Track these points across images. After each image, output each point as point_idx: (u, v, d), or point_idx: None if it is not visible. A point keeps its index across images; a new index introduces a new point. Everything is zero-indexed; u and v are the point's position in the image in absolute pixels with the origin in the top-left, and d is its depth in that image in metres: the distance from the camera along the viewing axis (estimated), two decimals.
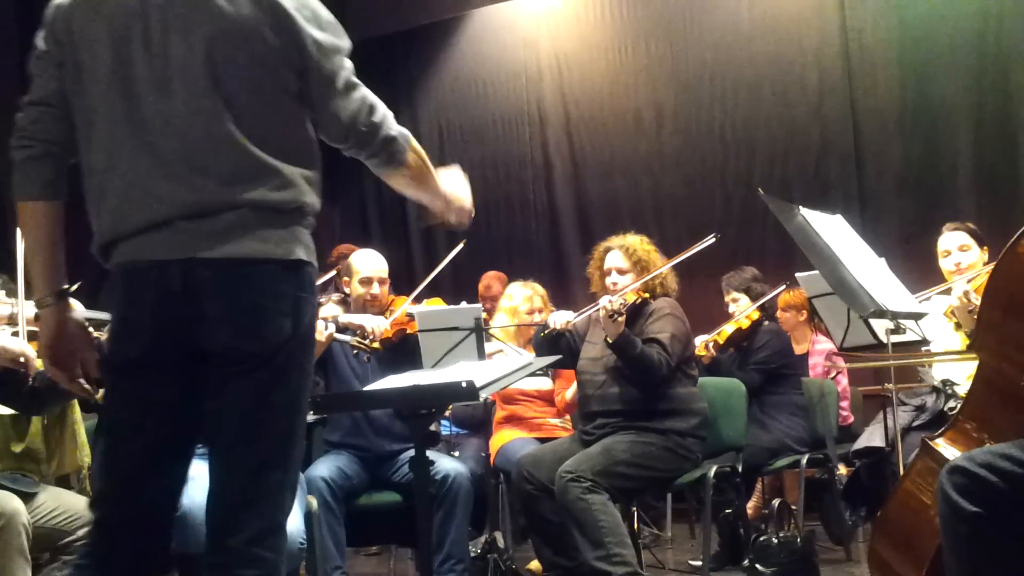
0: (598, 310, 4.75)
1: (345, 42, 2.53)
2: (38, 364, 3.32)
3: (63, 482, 4.01)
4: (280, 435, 2.41)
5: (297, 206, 2.43)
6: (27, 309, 3.51)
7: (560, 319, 4.97)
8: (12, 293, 3.59)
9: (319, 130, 2.53)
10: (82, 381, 2.53)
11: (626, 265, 4.94)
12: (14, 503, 3.23)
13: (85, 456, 4.44)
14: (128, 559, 2.45)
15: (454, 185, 2.80)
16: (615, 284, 4.91)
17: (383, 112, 2.55)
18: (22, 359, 3.30)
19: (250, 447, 2.38)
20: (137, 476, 2.45)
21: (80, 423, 4.53)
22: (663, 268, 4.92)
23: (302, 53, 2.43)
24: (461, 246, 4.97)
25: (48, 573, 3.47)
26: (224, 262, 2.35)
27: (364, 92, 2.53)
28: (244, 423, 2.37)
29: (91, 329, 2.58)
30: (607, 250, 5.04)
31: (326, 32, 2.47)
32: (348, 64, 2.52)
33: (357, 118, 2.50)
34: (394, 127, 2.57)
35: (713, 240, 4.89)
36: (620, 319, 4.60)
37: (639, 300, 4.88)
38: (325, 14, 2.50)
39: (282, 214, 2.40)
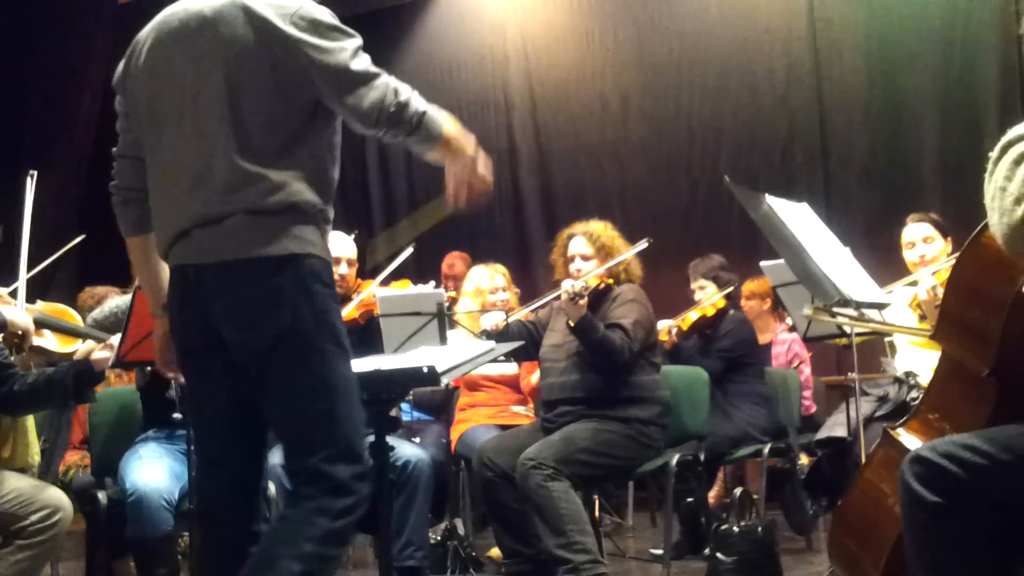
0: (559, 296, 4.72)
1: (350, 40, 2.68)
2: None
3: None
4: (319, 417, 2.63)
5: (289, 205, 2.63)
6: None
7: (490, 320, 4.95)
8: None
9: (350, 125, 2.72)
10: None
11: (590, 251, 4.92)
12: None
13: (35, 454, 4.38)
14: (220, 538, 2.78)
15: (481, 167, 2.87)
16: (579, 271, 4.89)
17: (408, 92, 2.68)
18: (21, 332, 3.43)
19: (295, 433, 2.68)
20: (216, 456, 2.78)
21: (31, 425, 4.48)
22: (627, 255, 4.90)
23: (303, 62, 2.62)
24: (410, 250, 4.94)
25: (2, 557, 3.42)
26: (223, 265, 2.64)
27: (385, 79, 2.67)
28: (283, 412, 2.67)
29: None
30: (570, 236, 5.01)
31: (325, 35, 2.64)
32: (360, 58, 2.66)
33: (383, 104, 2.64)
34: (423, 103, 2.69)
35: (646, 244, 4.88)
36: (582, 302, 4.58)
37: (602, 285, 4.86)
38: (322, 17, 2.66)
39: (273, 215, 2.61)
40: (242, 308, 2.64)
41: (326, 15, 2.68)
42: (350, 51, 2.65)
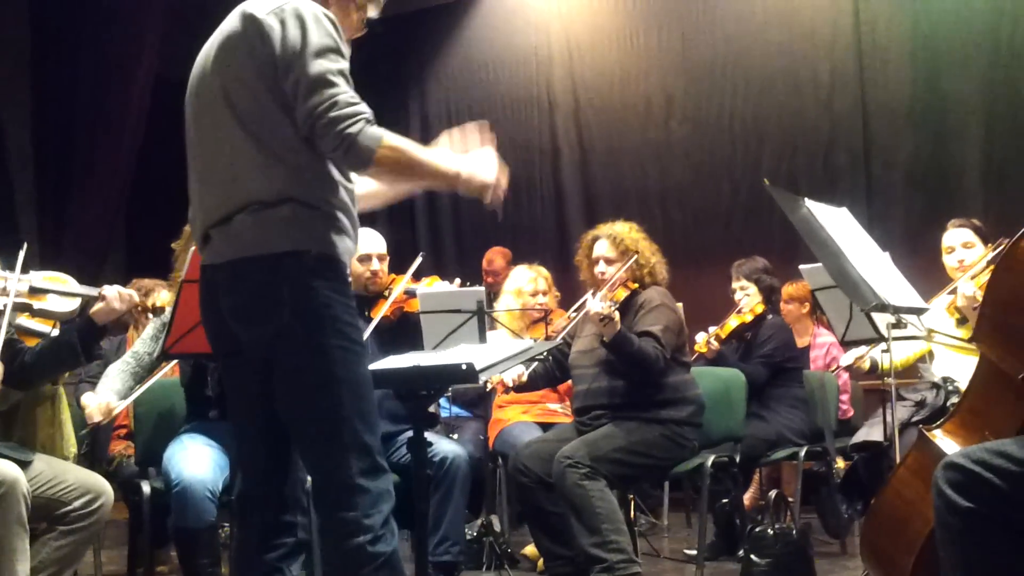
0: (585, 303, 4.73)
1: (324, 41, 2.63)
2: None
3: None
4: (325, 414, 2.67)
5: (287, 197, 2.66)
6: (22, 285, 3.56)
7: (511, 375, 4.96)
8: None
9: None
10: None
11: (613, 254, 4.90)
12: (14, 471, 3.24)
13: (71, 446, 4.46)
14: (256, 530, 2.83)
15: (473, 163, 2.81)
16: (603, 274, 4.88)
17: (349, 111, 2.60)
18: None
19: (301, 428, 2.73)
20: (248, 452, 2.87)
21: (68, 415, 4.56)
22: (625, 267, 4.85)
23: (278, 57, 2.64)
24: (419, 260, 4.93)
25: (45, 542, 3.48)
26: (230, 264, 2.70)
27: (336, 91, 2.60)
28: (290, 409, 2.72)
29: None
30: (595, 239, 5.00)
31: (298, 28, 2.63)
32: (321, 60, 2.61)
33: (314, 111, 2.60)
34: (355, 126, 2.59)
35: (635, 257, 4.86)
36: (613, 322, 4.56)
37: (629, 293, 4.86)
38: (306, 13, 2.65)
39: (273, 208, 2.65)
40: (245, 306, 2.71)
41: (315, 14, 2.66)
42: (314, 49, 2.62)
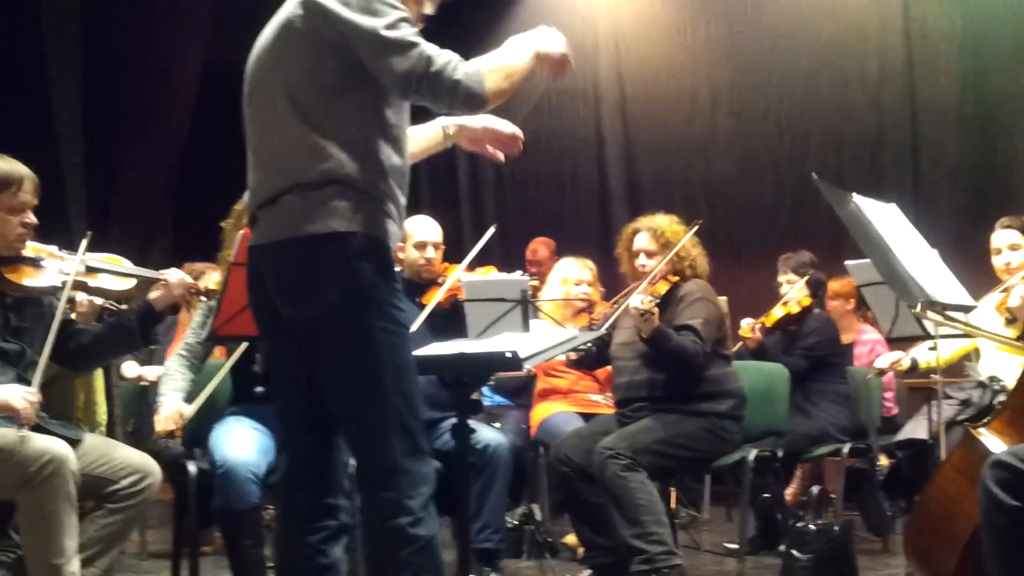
0: (628, 293, 4.72)
1: (391, 11, 2.69)
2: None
3: None
4: (367, 394, 2.69)
5: (334, 178, 2.68)
6: (78, 265, 3.62)
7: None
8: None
9: (391, 93, 2.75)
10: None
11: (654, 247, 4.88)
12: (64, 448, 3.28)
13: (102, 414, 4.51)
14: (299, 512, 2.85)
15: (542, 40, 2.91)
16: (643, 267, 4.87)
17: (443, 61, 2.69)
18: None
19: (344, 409, 2.75)
20: (291, 434, 2.91)
21: (100, 383, 4.61)
22: (683, 240, 4.83)
23: (340, 30, 2.68)
24: (491, 231, 4.95)
25: (92, 520, 3.52)
26: (276, 244, 2.73)
27: (420, 48, 2.68)
28: (333, 390, 2.75)
29: None
30: (635, 231, 4.98)
31: (376, 12, 2.68)
32: (397, 28, 2.68)
33: (413, 72, 2.66)
34: (457, 71, 2.69)
35: (697, 227, 4.88)
36: (653, 317, 4.56)
37: (669, 287, 4.85)
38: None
39: (319, 189, 2.68)
40: (290, 287, 2.73)
41: None
42: (387, 20, 2.68)
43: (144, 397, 5.48)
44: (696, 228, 4.90)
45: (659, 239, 4.87)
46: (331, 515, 2.87)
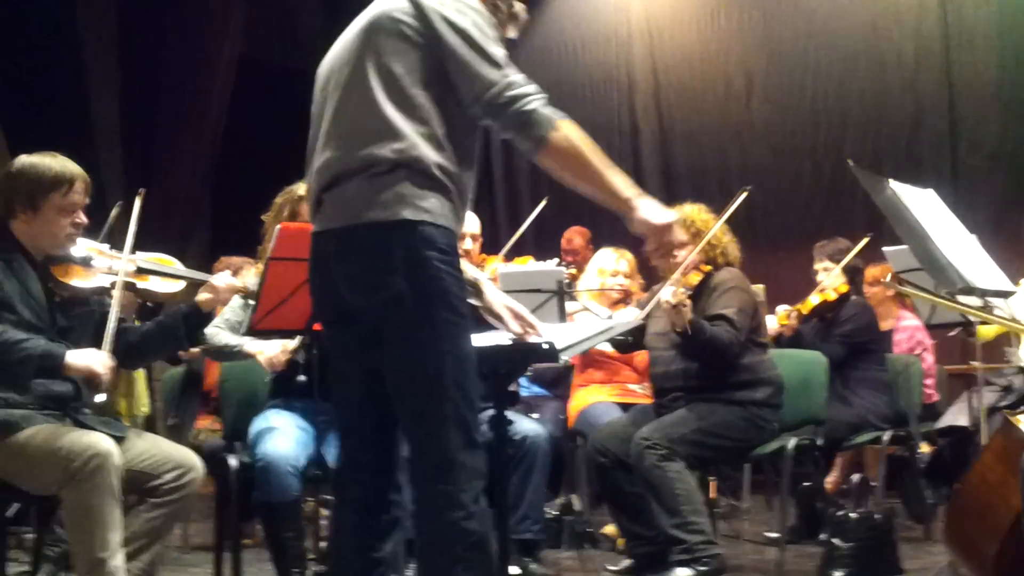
0: (661, 284, 4.70)
1: (488, 30, 2.75)
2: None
3: None
4: (427, 385, 2.69)
5: (407, 161, 2.67)
6: (128, 265, 3.65)
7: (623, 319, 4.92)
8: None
9: (459, 97, 2.74)
10: None
11: (684, 237, 4.85)
12: (108, 444, 3.31)
13: (143, 406, 4.55)
14: (355, 505, 2.86)
15: (650, 204, 2.83)
16: (674, 257, 4.84)
17: (523, 91, 2.69)
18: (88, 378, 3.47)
19: (403, 399, 2.74)
20: (349, 425, 2.91)
21: (140, 374, 4.64)
22: (727, 216, 4.79)
23: (438, 32, 2.71)
24: (544, 203, 4.93)
25: (136, 514, 3.55)
26: (342, 230, 2.73)
27: (505, 71, 2.70)
28: (394, 379, 2.74)
29: None
30: None
31: (476, 24, 2.72)
32: (491, 46, 2.71)
33: (491, 91, 2.68)
34: (530, 104, 2.68)
35: (745, 194, 4.84)
36: (685, 309, 4.54)
37: (702, 277, 4.82)
38: (474, 9, 2.76)
39: (390, 172, 2.67)
40: (356, 274, 2.73)
41: (479, 7, 2.78)
42: (483, 36, 2.71)
43: (186, 387, 5.53)
44: (744, 196, 4.85)
45: (689, 229, 4.83)
46: (386, 508, 2.86)
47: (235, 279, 3.79)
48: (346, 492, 2.90)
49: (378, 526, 2.85)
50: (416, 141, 2.69)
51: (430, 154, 2.70)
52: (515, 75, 2.71)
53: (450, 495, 2.65)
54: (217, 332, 4.17)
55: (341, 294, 2.77)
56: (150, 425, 5.62)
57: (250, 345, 4.11)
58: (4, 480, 3.46)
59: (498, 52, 2.72)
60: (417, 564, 2.78)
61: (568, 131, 2.70)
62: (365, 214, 2.68)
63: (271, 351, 4.06)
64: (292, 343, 4.04)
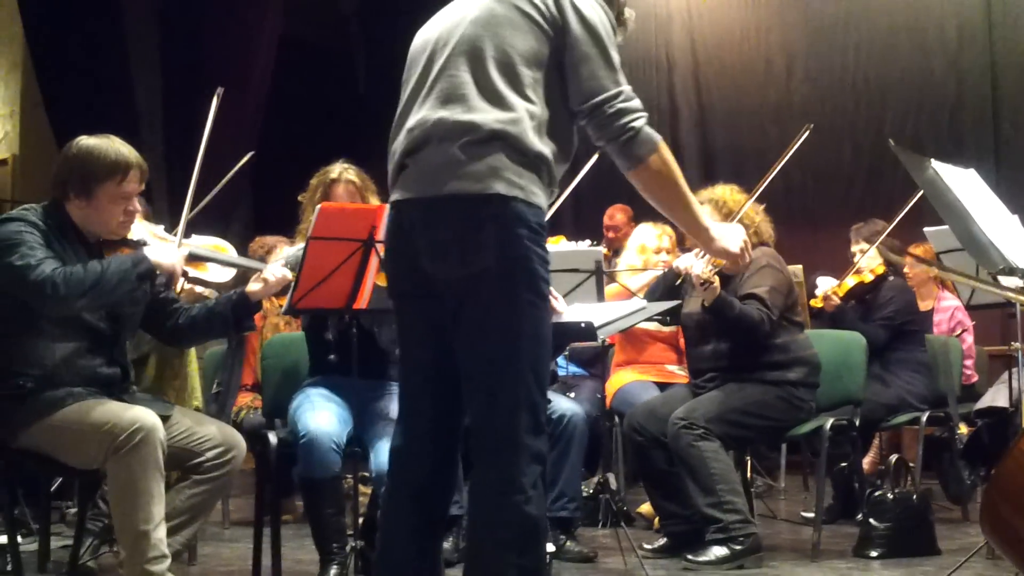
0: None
1: (614, 36, 2.76)
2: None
3: None
4: (503, 364, 2.64)
5: (502, 133, 2.62)
6: (183, 251, 3.69)
7: (684, 263, 4.87)
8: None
9: (569, 100, 2.73)
10: None
11: (716, 218, 4.84)
12: (153, 418, 3.34)
13: (195, 400, 4.59)
14: (410, 485, 2.80)
15: (721, 229, 2.93)
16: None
17: (633, 105, 2.71)
18: (161, 276, 3.53)
19: (476, 376, 2.68)
20: (412, 404, 2.84)
21: (195, 369, 4.69)
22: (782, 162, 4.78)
23: (568, 22, 2.68)
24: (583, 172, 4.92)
25: (179, 491, 3.60)
26: (429, 200, 2.67)
27: (622, 81, 2.72)
28: (469, 355, 2.68)
29: None
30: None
31: (605, 24, 2.72)
32: (614, 53, 2.72)
33: (604, 95, 2.69)
34: (638, 122, 2.70)
35: (807, 132, 4.78)
36: (713, 286, 4.55)
37: None
38: (603, 12, 2.75)
39: (483, 145, 2.62)
40: (444, 246, 2.66)
41: (607, 10, 2.77)
42: (610, 41, 2.72)
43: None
44: (806, 133, 4.79)
45: (720, 209, 4.82)
46: (444, 497, 2.85)
47: (287, 271, 3.78)
48: (403, 473, 2.82)
49: (432, 513, 2.81)
50: (520, 116, 2.65)
51: (530, 133, 2.66)
52: (626, 85, 2.72)
53: (512, 478, 2.61)
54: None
55: (422, 266, 2.70)
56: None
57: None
58: (48, 455, 3.50)
59: (616, 58, 2.72)
60: (467, 545, 2.75)
61: (665, 155, 2.72)
62: (455, 184, 2.63)
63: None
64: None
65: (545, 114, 2.70)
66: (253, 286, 3.76)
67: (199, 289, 4.01)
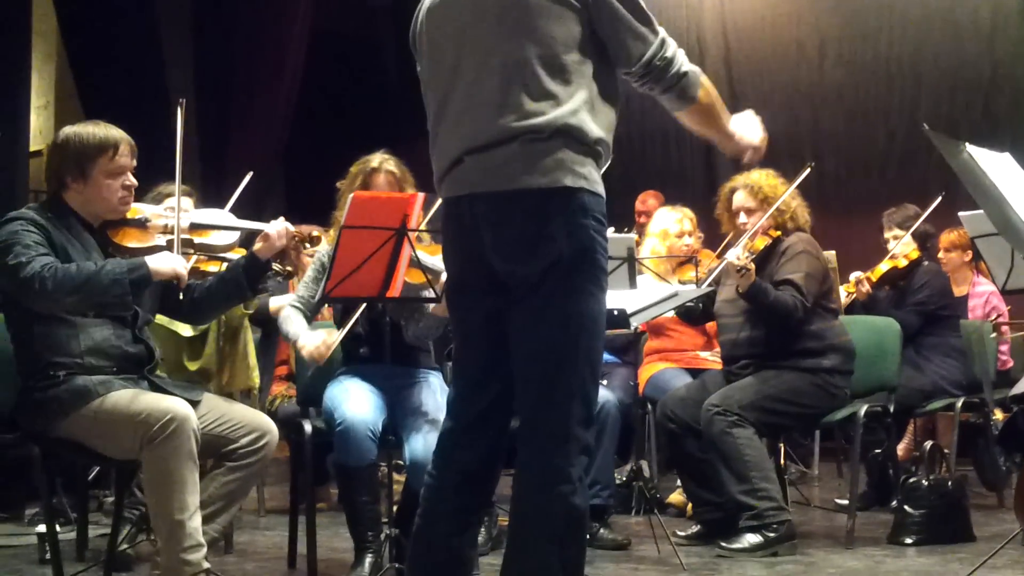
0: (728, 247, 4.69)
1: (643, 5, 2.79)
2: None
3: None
4: (561, 354, 2.66)
5: (564, 127, 2.66)
6: (182, 221, 3.69)
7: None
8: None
9: (616, 65, 2.78)
10: None
11: (752, 204, 4.82)
12: (185, 408, 3.37)
13: (255, 377, 4.62)
14: (454, 474, 2.81)
15: (742, 126, 2.99)
16: (744, 224, 4.82)
17: (676, 51, 2.78)
18: (175, 281, 3.53)
19: (532, 365, 2.69)
20: (463, 394, 2.85)
21: (252, 345, 4.72)
22: (786, 194, 4.80)
23: (610, 5, 2.72)
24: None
25: (213, 478, 3.62)
26: (495, 195, 2.69)
27: (661, 35, 2.77)
28: (527, 344, 2.69)
29: None
30: (732, 190, 4.92)
31: None
32: (646, 12, 2.77)
33: (653, 53, 2.74)
34: (685, 65, 2.78)
35: (809, 170, 4.87)
36: (749, 272, 4.53)
37: (770, 242, 4.79)
38: None
39: (547, 140, 2.65)
40: (512, 240, 2.68)
41: None
42: (639, 4, 2.75)
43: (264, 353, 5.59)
44: (806, 173, 4.85)
45: (756, 195, 4.82)
46: (487, 484, 2.88)
47: (288, 224, 3.79)
48: (452, 454, 2.83)
49: (475, 498, 2.84)
50: (575, 107, 2.67)
51: (587, 121, 2.69)
52: (661, 29, 2.78)
53: (561, 468, 2.62)
54: (288, 317, 4.19)
55: (489, 260, 2.71)
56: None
57: (302, 339, 4.06)
58: (85, 445, 3.54)
59: (650, 15, 2.77)
60: (510, 534, 2.74)
61: (708, 87, 2.84)
62: (524, 180, 2.65)
63: (312, 343, 4.04)
64: (335, 336, 4.02)
65: (594, 87, 2.73)
66: (258, 244, 3.77)
67: (210, 269, 4.02)
